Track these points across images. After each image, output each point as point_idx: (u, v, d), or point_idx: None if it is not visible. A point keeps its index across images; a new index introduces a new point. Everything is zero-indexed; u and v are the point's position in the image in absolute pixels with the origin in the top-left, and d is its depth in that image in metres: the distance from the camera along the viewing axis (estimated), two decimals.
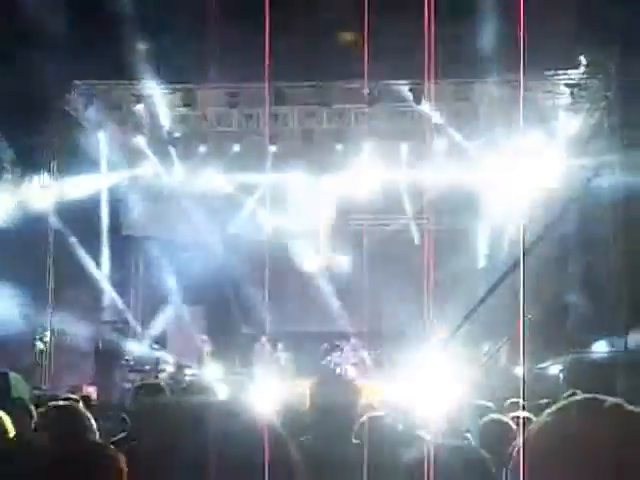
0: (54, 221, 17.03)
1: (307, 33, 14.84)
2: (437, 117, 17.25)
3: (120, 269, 19.32)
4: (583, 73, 15.93)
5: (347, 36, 14.72)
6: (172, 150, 19.10)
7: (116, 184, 19.26)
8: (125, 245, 20.00)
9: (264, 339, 19.59)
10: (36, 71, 13.68)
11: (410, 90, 16.81)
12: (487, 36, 13.87)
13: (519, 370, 17.76)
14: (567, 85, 16.32)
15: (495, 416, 6.01)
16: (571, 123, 17.51)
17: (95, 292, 18.24)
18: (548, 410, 1.83)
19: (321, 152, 19.28)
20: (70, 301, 16.31)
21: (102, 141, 18.33)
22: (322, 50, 14.84)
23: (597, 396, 1.81)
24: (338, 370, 18.41)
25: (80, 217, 17.27)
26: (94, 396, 13.95)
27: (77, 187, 17.62)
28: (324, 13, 14.93)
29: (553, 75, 16.29)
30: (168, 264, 19.74)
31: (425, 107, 17.04)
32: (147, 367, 18.08)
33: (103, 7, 13.51)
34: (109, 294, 18.75)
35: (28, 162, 16.54)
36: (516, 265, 12.57)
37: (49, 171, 17.18)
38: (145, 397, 5.65)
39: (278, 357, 18.72)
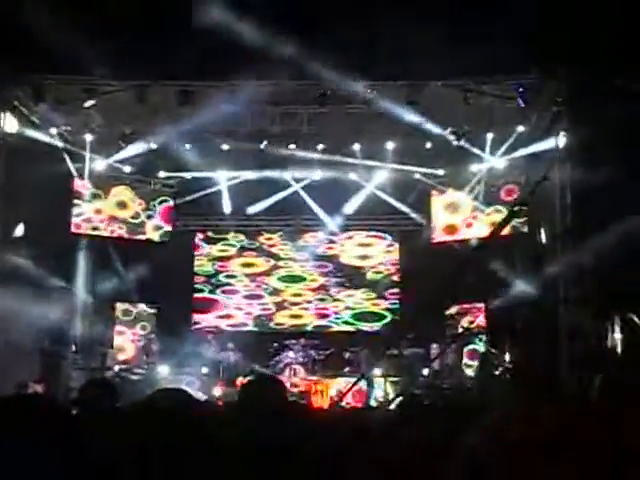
0: None
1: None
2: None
3: (67, 267, 19.05)
4: (534, 77, 16.08)
5: None
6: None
7: None
8: (75, 242, 19.77)
9: (211, 337, 19.60)
10: None
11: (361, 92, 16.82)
12: (438, 37, 13.94)
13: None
14: (518, 90, 16.44)
15: None
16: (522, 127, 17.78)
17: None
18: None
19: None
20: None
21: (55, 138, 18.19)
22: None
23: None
24: (288, 369, 18.47)
25: None
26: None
27: None
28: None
29: (505, 79, 16.42)
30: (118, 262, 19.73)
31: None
32: (93, 365, 17.93)
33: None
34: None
35: None
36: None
37: None
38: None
39: (227, 356, 18.68)
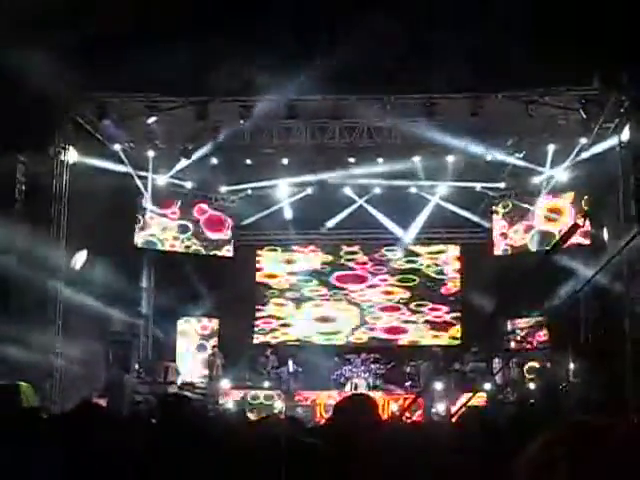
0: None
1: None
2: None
3: (133, 283, 19.24)
4: (596, 89, 15.88)
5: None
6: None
7: None
8: (137, 257, 19.99)
9: (269, 352, 19.57)
10: (49, 81, 13.66)
11: (423, 105, 16.73)
12: (500, 51, 13.88)
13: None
14: (580, 101, 16.24)
15: None
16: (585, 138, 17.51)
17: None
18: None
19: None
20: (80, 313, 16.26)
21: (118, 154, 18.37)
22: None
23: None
24: (349, 383, 18.41)
25: None
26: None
27: None
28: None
29: (567, 90, 16.23)
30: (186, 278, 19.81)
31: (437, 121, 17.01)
32: (157, 379, 18.06)
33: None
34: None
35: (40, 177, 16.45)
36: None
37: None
38: None
39: (287, 370, 18.68)
